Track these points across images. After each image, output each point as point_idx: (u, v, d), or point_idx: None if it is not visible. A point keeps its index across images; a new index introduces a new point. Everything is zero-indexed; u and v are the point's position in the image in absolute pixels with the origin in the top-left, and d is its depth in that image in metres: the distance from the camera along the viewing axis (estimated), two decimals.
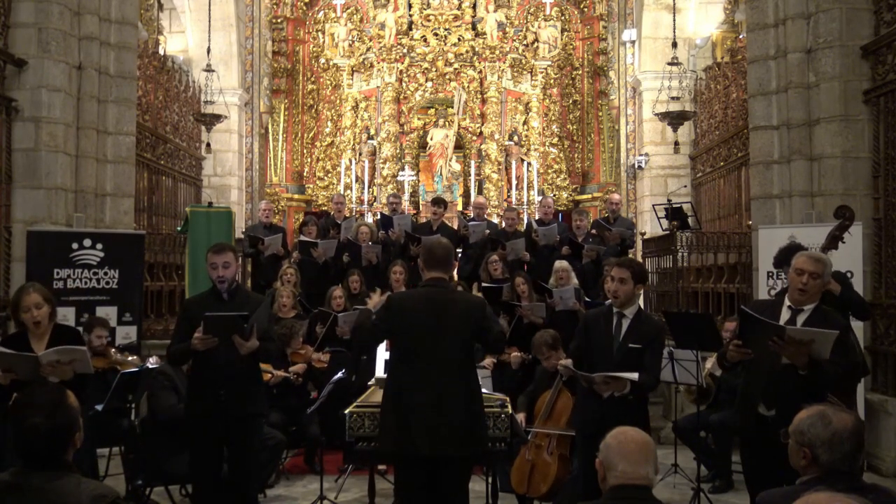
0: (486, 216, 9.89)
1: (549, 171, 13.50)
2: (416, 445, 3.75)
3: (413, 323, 3.86)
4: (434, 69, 12.75)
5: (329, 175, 13.60)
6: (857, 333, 6.13)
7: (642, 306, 9.58)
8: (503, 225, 9.59)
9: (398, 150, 12.74)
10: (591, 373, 4.17)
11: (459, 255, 9.13)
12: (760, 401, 3.90)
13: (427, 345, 3.82)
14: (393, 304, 3.98)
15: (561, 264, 7.69)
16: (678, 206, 9.81)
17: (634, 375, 4.01)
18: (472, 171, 12.52)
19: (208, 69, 11.22)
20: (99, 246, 7.08)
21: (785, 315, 3.92)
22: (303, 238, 8.96)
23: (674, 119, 10.72)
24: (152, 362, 5.66)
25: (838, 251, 6.01)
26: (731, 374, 5.70)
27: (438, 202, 9.48)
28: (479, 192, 12.16)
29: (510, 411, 4.31)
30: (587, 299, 7.46)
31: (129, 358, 5.84)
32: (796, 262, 3.96)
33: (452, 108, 12.56)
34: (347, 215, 10.65)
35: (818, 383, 3.68)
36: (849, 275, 5.78)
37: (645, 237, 10.59)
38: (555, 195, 12.94)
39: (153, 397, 5.31)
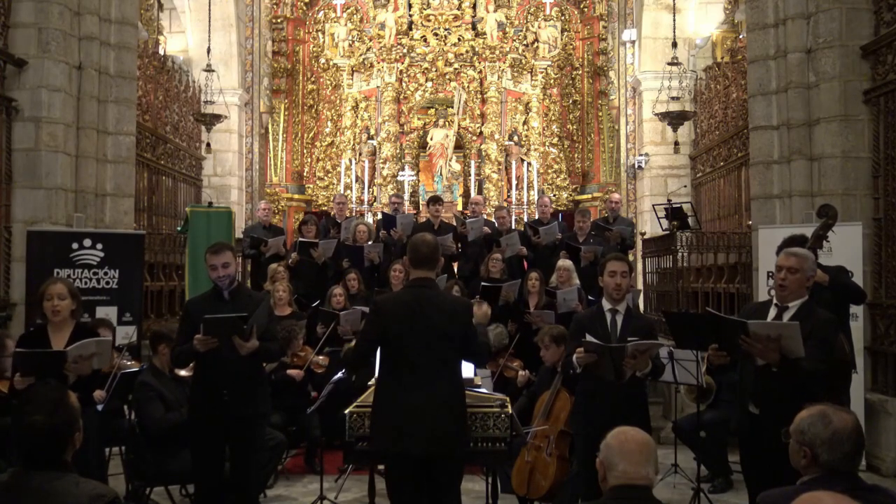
0: (483, 213, 9.88)
1: (549, 171, 13.50)
2: (396, 446, 3.75)
3: (396, 325, 3.83)
4: (434, 69, 12.75)
5: (329, 175, 13.60)
6: (857, 333, 6.15)
7: (642, 306, 9.67)
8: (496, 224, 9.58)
9: (398, 150, 12.74)
10: (590, 376, 4.17)
11: (460, 253, 9.13)
12: (750, 400, 3.90)
13: (410, 346, 3.79)
14: (378, 308, 3.97)
15: (564, 263, 7.68)
16: (678, 206, 9.81)
17: (661, 343, 4.09)
18: (472, 171, 12.53)
19: (208, 69, 11.23)
20: (99, 246, 7.08)
21: (772, 313, 3.93)
22: (302, 239, 8.94)
23: (674, 119, 10.71)
24: None
25: (836, 251, 6.04)
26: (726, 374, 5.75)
27: (436, 200, 9.46)
28: (479, 192, 12.15)
29: (510, 411, 4.30)
30: (590, 298, 7.43)
31: (130, 361, 5.82)
32: (777, 260, 3.99)
33: (452, 108, 12.56)
34: (348, 215, 10.65)
35: (798, 381, 3.66)
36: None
37: (645, 237, 10.59)
38: (555, 195, 12.96)
39: (139, 409, 5.19)
